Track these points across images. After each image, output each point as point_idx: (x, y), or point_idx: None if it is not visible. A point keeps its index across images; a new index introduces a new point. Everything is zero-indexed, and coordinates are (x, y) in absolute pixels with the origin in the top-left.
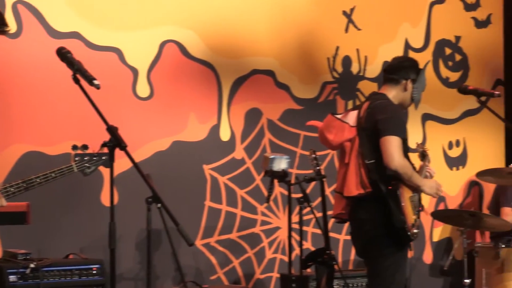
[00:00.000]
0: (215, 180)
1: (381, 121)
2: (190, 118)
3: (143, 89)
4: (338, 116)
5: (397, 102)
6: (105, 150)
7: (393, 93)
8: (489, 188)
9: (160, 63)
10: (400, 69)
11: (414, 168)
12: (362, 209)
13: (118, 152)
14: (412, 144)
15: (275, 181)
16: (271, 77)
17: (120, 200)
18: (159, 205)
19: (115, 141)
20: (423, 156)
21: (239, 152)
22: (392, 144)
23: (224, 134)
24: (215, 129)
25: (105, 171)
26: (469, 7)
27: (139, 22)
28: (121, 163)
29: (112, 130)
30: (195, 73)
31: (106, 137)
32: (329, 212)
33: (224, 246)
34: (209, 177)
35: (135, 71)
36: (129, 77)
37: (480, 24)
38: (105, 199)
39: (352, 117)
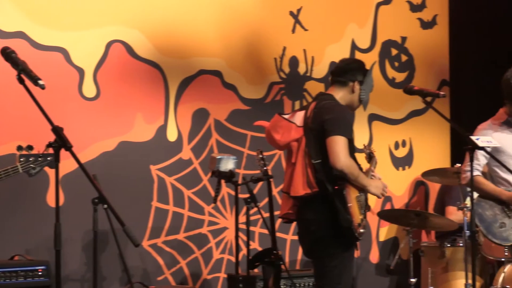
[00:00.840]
0: (162, 180)
1: (327, 121)
2: (137, 118)
3: (89, 89)
4: (285, 116)
5: (344, 103)
6: (50, 150)
7: (340, 94)
8: (435, 188)
9: (107, 63)
10: (347, 71)
11: (360, 168)
12: (309, 209)
13: (63, 153)
14: (359, 144)
15: (222, 181)
16: (218, 77)
17: (66, 201)
18: (105, 206)
19: (61, 142)
20: (370, 157)
21: (186, 153)
22: (338, 144)
23: (171, 135)
24: (162, 129)
25: (50, 172)
26: (415, 8)
27: (85, 22)
28: (67, 164)
29: (57, 130)
30: (142, 73)
31: (52, 137)
32: (276, 212)
33: (171, 247)
34: (156, 177)
35: (81, 71)
36: (75, 77)
37: (426, 25)
38: (50, 200)
39: (299, 117)
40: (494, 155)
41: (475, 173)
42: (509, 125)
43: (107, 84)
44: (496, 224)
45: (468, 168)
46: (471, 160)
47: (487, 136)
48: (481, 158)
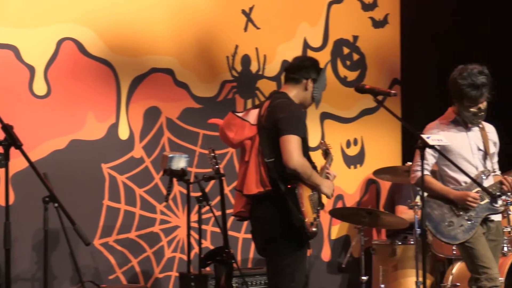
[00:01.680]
0: (113, 179)
1: (281, 120)
2: (88, 116)
3: (40, 87)
4: (239, 114)
5: (298, 101)
6: (0, 149)
7: (294, 92)
8: (386, 186)
9: (58, 61)
10: (301, 68)
11: (314, 167)
12: (262, 207)
13: (13, 151)
14: (313, 143)
15: (174, 180)
16: (170, 75)
17: (16, 199)
18: (56, 204)
19: (10, 140)
20: (326, 154)
21: (138, 151)
22: (291, 143)
23: (123, 133)
24: (114, 127)
25: (0, 171)
26: (366, 7)
27: (36, 20)
28: (17, 162)
29: (7, 128)
30: (93, 71)
31: (1, 135)
32: (229, 211)
33: (123, 246)
34: (107, 176)
35: (31, 69)
36: (26, 75)
37: (377, 24)
38: (0, 199)
39: (253, 116)
40: (445, 153)
41: (424, 172)
42: (457, 124)
43: (58, 82)
44: (445, 223)
45: (418, 168)
46: (422, 159)
47: (437, 135)
48: (429, 157)
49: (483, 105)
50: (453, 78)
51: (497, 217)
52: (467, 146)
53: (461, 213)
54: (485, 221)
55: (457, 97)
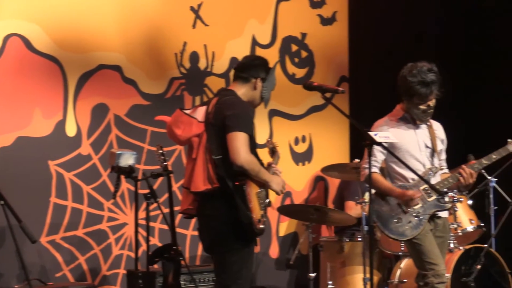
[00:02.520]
0: (60, 176)
1: (228, 117)
2: (35, 113)
3: None
4: (187, 111)
5: (246, 99)
6: None
7: (242, 91)
8: (334, 183)
9: (4, 57)
10: (251, 67)
11: (262, 164)
12: (210, 204)
13: None
14: (261, 140)
15: (122, 177)
16: (118, 72)
17: None
18: (1, 202)
19: None
20: (273, 152)
21: (85, 148)
22: (239, 140)
23: (70, 130)
24: (61, 124)
25: None
26: (314, 5)
27: None
28: None
29: None
30: (40, 67)
31: None
32: (176, 208)
33: (70, 243)
34: (54, 173)
35: None
36: None
37: (326, 21)
38: None
39: (200, 113)
40: (393, 150)
41: (373, 169)
42: (406, 121)
43: (4, 78)
44: (393, 219)
45: (367, 165)
46: (369, 156)
47: (384, 132)
48: (378, 155)
49: (432, 102)
50: (402, 75)
51: (444, 214)
52: (415, 144)
53: (408, 209)
54: (433, 217)
55: (407, 95)
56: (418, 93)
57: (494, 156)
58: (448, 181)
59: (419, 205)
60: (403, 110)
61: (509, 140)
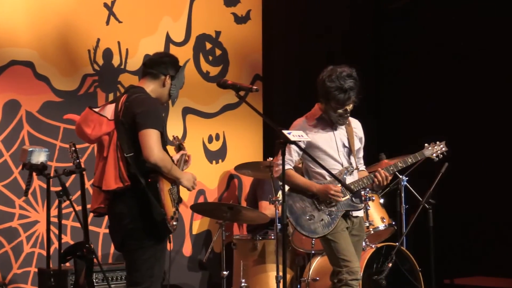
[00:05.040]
0: None
1: (138, 114)
2: None
3: None
4: (96, 110)
5: (154, 96)
6: None
7: (151, 87)
8: (247, 181)
9: None
10: (160, 64)
11: (172, 160)
12: (121, 202)
13: None
14: (170, 137)
15: (34, 174)
16: (30, 68)
17: None
18: None
19: None
20: (179, 148)
21: None
22: (151, 138)
23: None
24: None
25: None
26: (229, 3)
27: None
28: None
29: None
30: None
31: None
32: (89, 206)
33: None
34: None
35: None
36: None
37: (240, 19)
38: None
39: (109, 111)
40: (308, 150)
41: (287, 167)
42: (324, 121)
43: None
44: (305, 216)
45: (280, 162)
46: (283, 154)
47: (299, 131)
48: (293, 153)
49: (349, 107)
50: (322, 79)
51: (360, 213)
52: (333, 143)
53: (322, 207)
54: (349, 216)
55: (325, 98)
56: (336, 99)
57: (410, 160)
58: (363, 181)
59: (333, 204)
60: (321, 110)
61: (426, 144)
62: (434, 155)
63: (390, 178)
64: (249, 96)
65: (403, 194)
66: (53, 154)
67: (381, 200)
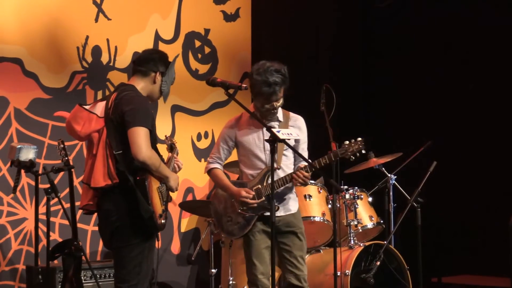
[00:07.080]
0: None
1: (127, 112)
2: None
3: None
4: (86, 107)
5: (145, 94)
6: None
7: (141, 85)
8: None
9: None
10: (149, 61)
11: (162, 159)
12: (110, 200)
13: None
14: (160, 135)
15: (22, 171)
16: (18, 65)
17: None
18: None
19: None
20: (172, 148)
21: None
22: (139, 136)
23: None
24: None
25: None
26: (218, 1)
27: None
28: None
29: None
30: None
31: None
32: (78, 203)
33: None
34: None
35: None
36: None
37: (229, 17)
38: None
39: (100, 108)
40: (237, 149)
41: (215, 165)
42: (255, 120)
43: None
44: (225, 217)
45: (210, 160)
46: (272, 153)
47: (286, 129)
48: (221, 151)
49: (278, 102)
50: (250, 73)
51: (281, 213)
52: (260, 142)
53: (239, 209)
54: (267, 218)
55: (253, 93)
56: (261, 93)
57: (324, 161)
58: (282, 181)
59: (249, 206)
60: (254, 107)
61: (346, 142)
62: (350, 153)
63: (309, 176)
64: (238, 94)
65: (391, 193)
66: (41, 151)
67: (370, 199)
